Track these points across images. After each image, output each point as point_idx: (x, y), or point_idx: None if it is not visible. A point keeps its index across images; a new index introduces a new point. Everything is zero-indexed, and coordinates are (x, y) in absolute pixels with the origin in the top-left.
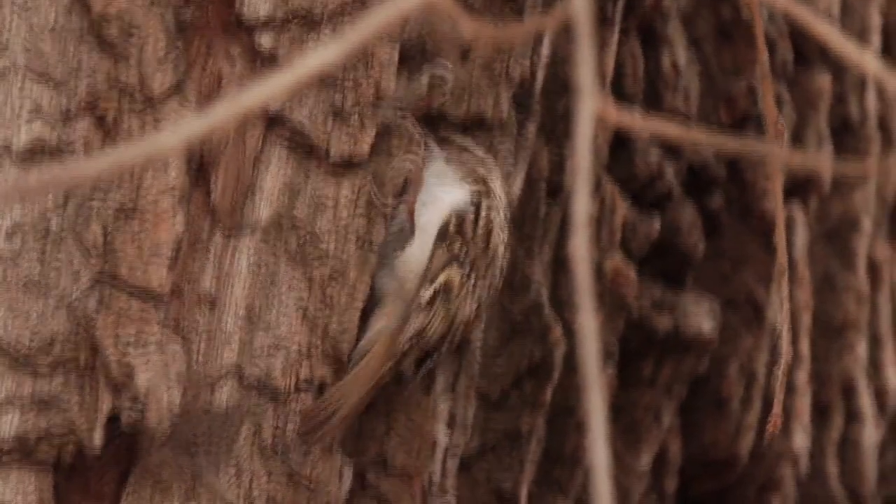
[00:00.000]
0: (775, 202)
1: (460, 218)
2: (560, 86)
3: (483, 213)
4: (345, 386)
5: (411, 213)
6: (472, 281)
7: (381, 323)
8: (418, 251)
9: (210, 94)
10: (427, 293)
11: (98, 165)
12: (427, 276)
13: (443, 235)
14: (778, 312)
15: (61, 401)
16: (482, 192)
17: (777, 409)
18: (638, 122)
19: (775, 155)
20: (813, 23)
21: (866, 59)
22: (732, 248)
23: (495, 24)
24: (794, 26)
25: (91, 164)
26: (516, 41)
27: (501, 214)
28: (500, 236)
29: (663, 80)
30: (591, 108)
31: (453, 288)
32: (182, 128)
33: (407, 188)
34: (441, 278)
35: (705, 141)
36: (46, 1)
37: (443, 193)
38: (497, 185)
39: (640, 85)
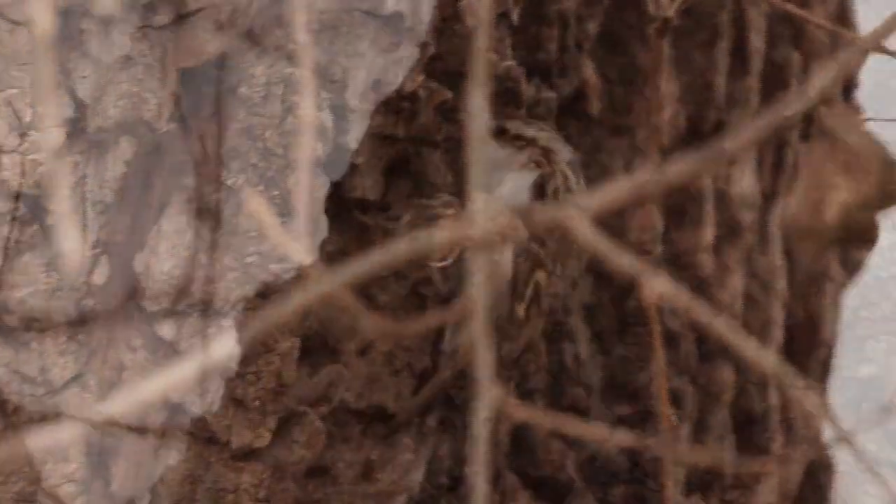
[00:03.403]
0: (668, 496)
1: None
2: (461, 378)
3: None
4: None
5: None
6: (558, 270)
7: None
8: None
9: (111, 383)
10: (521, 308)
11: None
12: (517, 294)
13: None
14: None
15: None
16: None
17: None
18: (539, 415)
19: (669, 450)
20: (713, 321)
21: (766, 356)
22: None
23: (397, 318)
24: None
25: None
26: (418, 335)
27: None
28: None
29: (565, 373)
30: (490, 400)
31: (542, 288)
32: (83, 417)
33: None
34: (529, 291)
35: (606, 436)
36: None
37: None
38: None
39: (542, 378)
